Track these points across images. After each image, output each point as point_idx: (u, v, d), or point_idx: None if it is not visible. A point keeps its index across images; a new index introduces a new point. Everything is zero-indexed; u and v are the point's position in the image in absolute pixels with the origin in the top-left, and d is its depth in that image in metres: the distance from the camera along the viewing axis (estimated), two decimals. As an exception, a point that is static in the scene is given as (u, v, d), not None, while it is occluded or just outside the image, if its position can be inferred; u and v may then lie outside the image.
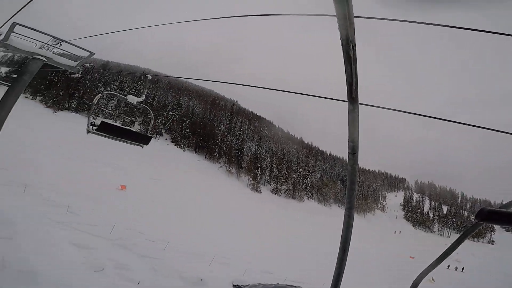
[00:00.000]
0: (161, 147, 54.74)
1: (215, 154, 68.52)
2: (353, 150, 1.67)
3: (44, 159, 23.99)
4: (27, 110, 37.87)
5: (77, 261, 9.09)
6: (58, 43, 6.96)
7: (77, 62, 7.20)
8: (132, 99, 5.82)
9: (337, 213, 63.75)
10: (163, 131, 64.02)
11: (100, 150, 31.03)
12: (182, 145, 62.99)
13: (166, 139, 63.61)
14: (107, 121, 5.17)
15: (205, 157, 67.69)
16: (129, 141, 5.58)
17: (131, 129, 6.45)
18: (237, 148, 74.00)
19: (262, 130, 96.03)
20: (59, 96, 53.92)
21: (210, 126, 74.50)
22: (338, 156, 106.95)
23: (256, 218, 39.90)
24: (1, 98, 6.41)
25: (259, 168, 68.25)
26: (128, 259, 10.56)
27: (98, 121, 5.40)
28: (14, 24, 5.75)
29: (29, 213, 12.38)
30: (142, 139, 5.72)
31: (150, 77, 7.02)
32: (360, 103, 1.47)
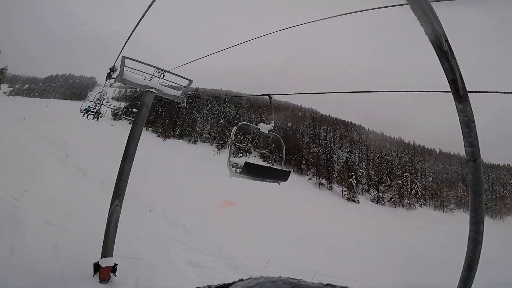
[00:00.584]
0: (252, 164, 57.27)
1: (302, 167, 66.96)
2: (474, 156, 1.42)
3: (165, 182, 28.30)
4: (147, 140, 46.79)
5: (194, 280, 9.29)
6: (161, 74, 7.21)
7: (181, 92, 7.40)
8: (264, 127, 5.16)
9: (463, 219, 50.33)
10: (251, 149, 67.44)
11: (202, 170, 34.66)
12: (270, 160, 64.38)
13: (255, 156, 66.73)
14: (250, 161, 4.27)
15: (293, 170, 67.26)
16: (268, 180, 4.75)
17: (272, 166, 5.88)
18: (325, 158, 70.29)
19: (350, 135, 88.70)
20: (165, 125, 64.63)
21: (293, 138, 73.96)
22: (452, 153, 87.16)
23: (359, 229, 35.51)
24: (130, 132, 7.05)
25: (354, 177, 62.19)
26: (237, 278, 10.41)
27: (238, 160, 4.47)
28: (124, 58, 6.10)
29: (154, 233, 14.26)
30: (283, 176, 4.89)
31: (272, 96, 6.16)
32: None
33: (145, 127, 64.83)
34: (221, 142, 63.88)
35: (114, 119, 57.33)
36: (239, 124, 4.76)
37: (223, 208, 28.21)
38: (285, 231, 26.03)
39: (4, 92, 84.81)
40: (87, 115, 16.49)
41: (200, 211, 23.15)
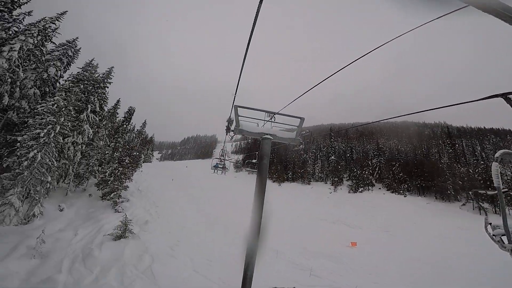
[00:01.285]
0: (379, 197, 49.43)
1: (448, 192, 52.13)
2: None
3: (288, 225, 27.55)
4: (267, 187, 48.83)
5: None
6: (272, 117, 6.58)
7: (295, 132, 6.52)
8: None
9: None
10: (373, 181, 59.18)
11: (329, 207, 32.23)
12: (401, 191, 53.80)
13: (379, 188, 57.83)
14: None
15: (435, 198, 53.25)
16: None
17: None
18: (480, 177, 52.59)
19: (508, 145, 65.49)
20: (278, 170, 66.46)
21: (428, 161, 60.39)
22: None
23: None
24: (256, 186, 6.50)
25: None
26: None
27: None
28: (236, 108, 5.77)
29: (281, 278, 13.54)
30: None
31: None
32: None
33: (260, 174, 68.99)
34: (335, 179, 59.48)
35: (236, 171, 64.20)
36: (501, 152, 3.12)
37: (352, 248, 24.33)
38: (435, 269, 18.88)
39: (156, 159, 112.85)
40: (216, 171, 18.89)
41: (329, 252, 21.19)
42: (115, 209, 21.60)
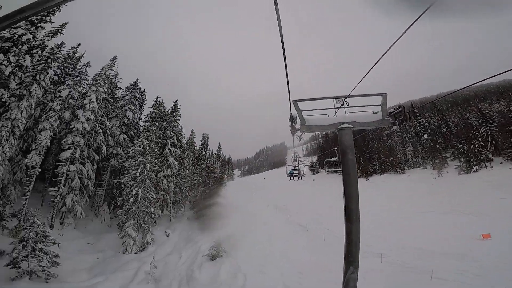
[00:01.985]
0: (505, 173, 38.74)
1: None
2: None
3: (388, 224, 24.15)
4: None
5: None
6: (342, 102, 5.35)
7: (379, 112, 5.05)
8: None
9: None
10: (489, 155, 46.95)
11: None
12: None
13: (501, 162, 45.38)
14: None
15: None
16: None
17: None
18: None
19: None
20: (361, 164, 59.90)
21: None
22: None
23: None
24: (344, 188, 5.39)
25: None
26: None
27: None
28: (295, 102, 4.90)
29: (392, 285, 11.80)
30: None
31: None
32: None
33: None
34: (436, 161, 50.02)
35: (313, 173, 61.76)
36: None
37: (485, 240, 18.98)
38: None
39: (237, 176, 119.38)
40: (292, 178, 17.98)
41: (451, 249, 17.38)
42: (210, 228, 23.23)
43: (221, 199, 36.25)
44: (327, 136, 77.77)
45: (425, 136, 57.60)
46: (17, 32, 16.47)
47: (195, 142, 49.95)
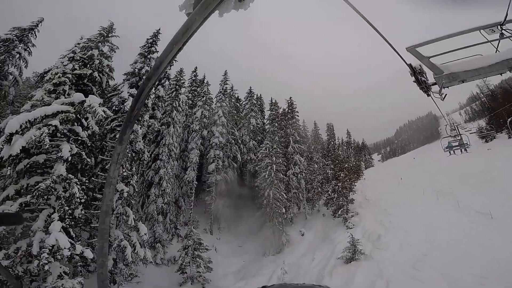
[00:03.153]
0: None
1: None
2: None
3: None
4: None
5: None
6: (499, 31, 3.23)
7: None
8: None
9: None
10: None
11: None
12: None
13: None
14: None
15: None
16: None
17: None
18: None
19: None
20: None
21: None
22: None
23: None
24: None
25: None
26: None
27: None
28: (414, 50, 3.15)
29: None
30: None
31: None
32: None
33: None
34: None
35: (486, 142, 45.30)
36: None
37: None
38: None
39: (378, 161, 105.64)
40: (453, 152, 14.96)
41: None
42: (346, 225, 21.03)
43: (360, 191, 32.72)
44: (493, 92, 54.68)
45: None
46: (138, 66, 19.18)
47: (320, 134, 48.61)
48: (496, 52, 3.25)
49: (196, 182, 24.04)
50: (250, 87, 35.12)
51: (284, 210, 20.75)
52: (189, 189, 23.93)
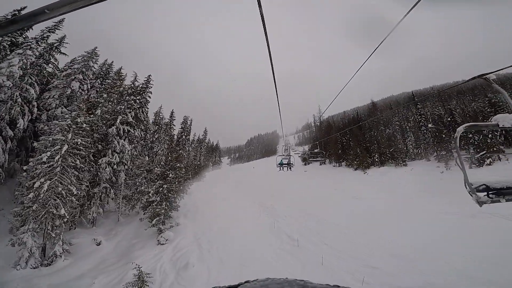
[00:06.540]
0: None
1: None
2: None
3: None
4: (348, 177, 38.98)
5: None
6: None
7: None
8: (505, 119, 2.72)
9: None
10: (501, 148, 41.80)
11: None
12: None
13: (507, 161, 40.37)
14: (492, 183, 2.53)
15: None
16: None
17: None
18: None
19: None
20: (359, 155, 53.89)
21: None
22: None
23: None
24: None
25: None
26: None
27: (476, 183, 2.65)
28: None
29: None
30: None
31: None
32: None
33: (336, 163, 58.07)
34: (443, 152, 44.64)
35: (305, 164, 55.60)
36: (464, 126, 2.77)
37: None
38: None
39: (227, 164, 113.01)
40: (282, 168, 17.07)
41: None
42: (158, 241, 16.62)
43: (193, 194, 29.76)
44: (321, 123, 71.20)
45: (430, 125, 52.03)
46: None
47: (174, 125, 42.65)
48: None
49: None
50: (95, 47, 24.63)
51: (63, 212, 13.42)
52: None
